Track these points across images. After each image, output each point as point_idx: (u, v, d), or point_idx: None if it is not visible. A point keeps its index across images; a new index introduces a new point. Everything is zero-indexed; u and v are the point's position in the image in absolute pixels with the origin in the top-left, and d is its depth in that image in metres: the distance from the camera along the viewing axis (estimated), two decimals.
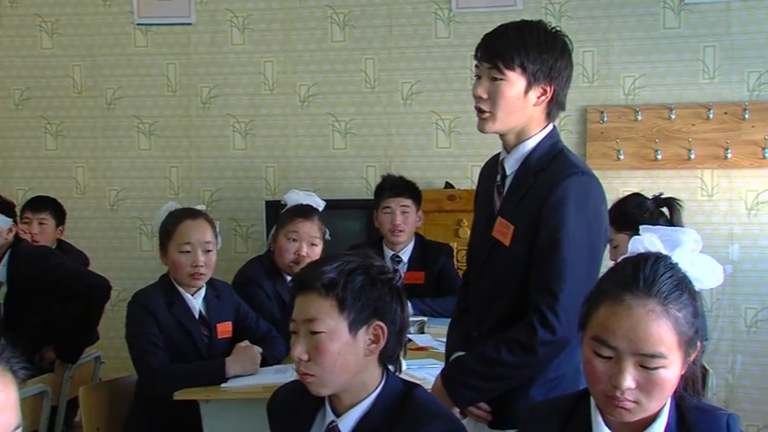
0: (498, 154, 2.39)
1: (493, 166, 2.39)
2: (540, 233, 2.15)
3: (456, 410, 2.24)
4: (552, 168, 2.20)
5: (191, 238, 3.11)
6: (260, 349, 3.09)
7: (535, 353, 2.12)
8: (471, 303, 2.41)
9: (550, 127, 2.28)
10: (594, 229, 2.18)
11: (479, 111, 2.23)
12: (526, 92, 2.20)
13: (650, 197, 3.55)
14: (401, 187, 4.18)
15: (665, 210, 3.49)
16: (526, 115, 2.23)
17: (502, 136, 2.29)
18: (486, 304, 2.31)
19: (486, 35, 2.26)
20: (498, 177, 2.32)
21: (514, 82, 2.18)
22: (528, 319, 2.14)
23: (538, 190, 2.19)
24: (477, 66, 2.26)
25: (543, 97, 2.22)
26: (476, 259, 2.39)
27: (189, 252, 3.10)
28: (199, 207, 3.31)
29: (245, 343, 3.12)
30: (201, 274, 3.12)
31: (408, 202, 4.14)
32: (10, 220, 3.84)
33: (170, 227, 3.15)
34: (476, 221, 2.46)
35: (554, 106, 2.25)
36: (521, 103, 2.20)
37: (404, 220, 4.12)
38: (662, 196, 3.54)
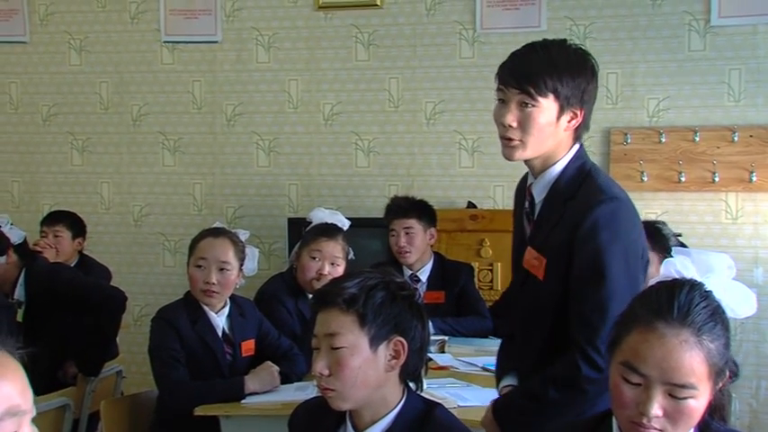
0: (527, 174, 2.28)
1: (522, 189, 2.29)
2: (574, 266, 2.05)
3: None
4: (581, 196, 2.08)
5: (206, 254, 3.12)
6: (278, 368, 3.08)
7: (583, 391, 2.02)
8: (514, 331, 2.33)
9: (577, 146, 2.15)
10: (632, 255, 2.06)
11: (507, 139, 2.09)
12: (558, 117, 2.07)
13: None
14: (404, 209, 4.11)
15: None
16: (556, 141, 2.10)
17: (527, 161, 2.16)
18: (523, 336, 2.25)
19: (512, 57, 2.11)
20: (527, 204, 2.22)
21: (546, 108, 2.05)
22: (571, 356, 2.03)
23: (567, 221, 2.08)
24: (500, 89, 2.11)
25: (574, 121, 2.10)
26: (514, 286, 2.32)
27: (203, 267, 3.10)
28: (242, 234, 3.31)
29: (266, 363, 3.12)
30: (214, 292, 3.11)
31: (412, 222, 4.06)
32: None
33: (193, 242, 3.20)
34: (513, 246, 2.34)
35: (582, 129, 2.13)
36: (552, 129, 2.07)
37: (408, 241, 4.06)
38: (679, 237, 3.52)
